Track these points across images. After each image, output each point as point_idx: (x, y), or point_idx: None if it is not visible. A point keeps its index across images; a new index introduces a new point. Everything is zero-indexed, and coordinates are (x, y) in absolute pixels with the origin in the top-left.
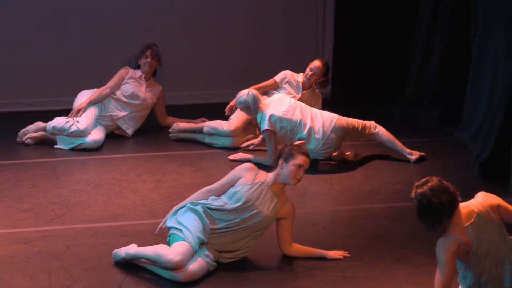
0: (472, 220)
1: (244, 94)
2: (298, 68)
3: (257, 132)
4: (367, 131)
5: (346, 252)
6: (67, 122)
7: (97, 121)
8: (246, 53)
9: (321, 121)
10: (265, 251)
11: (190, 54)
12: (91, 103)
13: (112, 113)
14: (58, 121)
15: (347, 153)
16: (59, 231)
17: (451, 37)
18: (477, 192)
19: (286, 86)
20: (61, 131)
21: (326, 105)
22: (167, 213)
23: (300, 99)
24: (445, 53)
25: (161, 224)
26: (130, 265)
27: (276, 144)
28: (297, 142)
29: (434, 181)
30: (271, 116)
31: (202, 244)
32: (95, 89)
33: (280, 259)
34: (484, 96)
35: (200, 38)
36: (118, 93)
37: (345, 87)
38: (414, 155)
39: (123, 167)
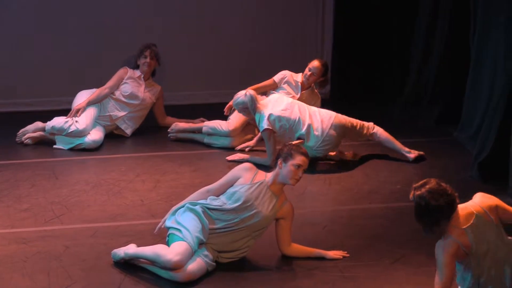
0: (471, 221)
1: (242, 95)
2: (298, 68)
3: (256, 132)
4: (365, 131)
5: (345, 252)
6: (66, 122)
7: (96, 121)
8: (245, 53)
9: (320, 118)
10: (264, 251)
11: (189, 54)
12: (90, 103)
13: (111, 113)
14: (57, 121)
15: (346, 153)
16: (58, 231)
17: (450, 37)
18: (476, 192)
19: (285, 86)
20: (60, 131)
21: (325, 105)
22: (166, 213)
23: (299, 99)
24: (444, 53)
25: (160, 224)
26: (129, 265)
27: (275, 144)
28: (296, 142)
29: (432, 183)
30: (269, 115)
31: (201, 244)
32: (94, 89)
33: (279, 259)
34: (483, 96)
35: (200, 38)
36: (117, 93)
37: (344, 87)
38: (412, 153)
39: (122, 167)
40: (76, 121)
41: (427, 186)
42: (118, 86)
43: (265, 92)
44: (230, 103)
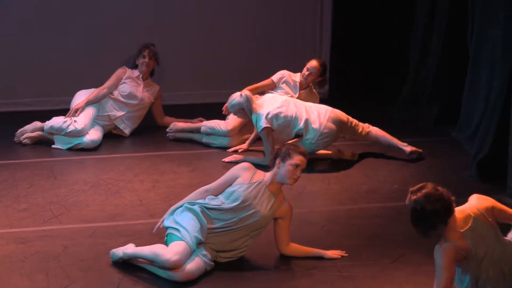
0: (469, 224)
1: (237, 96)
2: (296, 68)
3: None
4: (360, 130)
5: (344, 251)
6: (65, 122)
7: (95, 121)
8: (243, 53)
9: (316, 112)
10: (262, 250)
11: (188, 53)
12: (88, 103)
13: (109, 113)
14: (56, 121)
15: (345, 152)
16: (57, 231)
17: (448, 37)
18: (474, 191)
19: (284, 86)
20: (59, 131)
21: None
22: (164, 213)
23: (297, 99)
24: (442, 53)
25: (159, 224)
26: (127, 265)
27: (273, 143)
28: (292, 141)
29: (429, 187)
30: (267, 114)
31: (199, 243)
32: (92, 89)
33: (278, 259)
34: (482, 96)
35: (198, 38)
36: (115, 93)
37: (343, 87)
38: (409, 147)
39: (121, 167)
40: (75, 121)
41: (424, 191)
42: (117, 86)
43: (263, 92)
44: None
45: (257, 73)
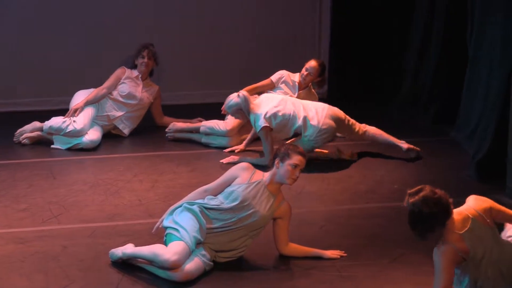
0: (468, 226)
1: (234, 97)
2: (296, 68)
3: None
4: (357, 129)
5: (343, 251)
6: (64, 122)
7: (94, 121)
8: (242, 53)
9: (314, 109)
10: (261, 250)
11: (187, 53)
12: (87, 103)
13: (108, 113)
14: (55, 121)
15: (344, 152)
16: (56, 231)
17: (447, 36)
18: (473, 191)
19: (283, 86)
20: (58, 131)
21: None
22: (163, 213)
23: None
24: (441, 53)
25: (158, 224)
26: (127, 265)
27: (272, 143)
28: (291, 140)
29: (426, 190)
30: (265, 114)
31: (198, 243)
32: (92, 89)
33: (277, 259)
34: (481, 95)
35: (197, 38)
36: (114, 93)
37: (342, 87)
38: (406, 144)
39: (120, 167)
40: (74, 121)
41: (421, 194)
42: (116, 86)
43: (261, 92)
44: None
45: (256, 73)
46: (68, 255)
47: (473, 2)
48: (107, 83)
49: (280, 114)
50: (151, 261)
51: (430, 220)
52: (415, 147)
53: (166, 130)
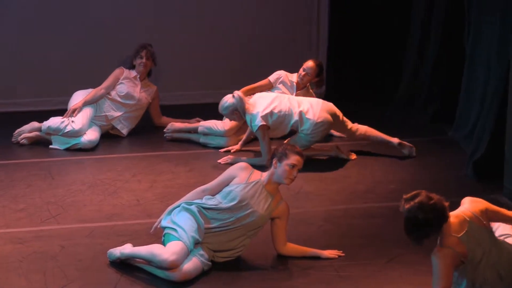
0: (466, 229)
1: (229, 98)
2: (295, 68)
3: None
4: (349, 126)
5: (341, 251)
6: (62, 122)
7: (92, 121)
8: (240, 53)
9: (309, 103)
10: (259, 250)
11: (185, 53)
12: (86, 103)
13: (107, 113)
14: (53, 121)
15: (343, 151)
16: (54, 231)
17: (445, 36)
18: (471, 191)
19: (280, 86)
20: (56, 131)
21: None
22: (162, 213)
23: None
24: (439, 53)
25: (156, 224)
26: (125, 265)
27: (269, 142)
28: (288, 140)
29: (422, 195)
30: (261, 112)
31: (197, 243)
32: (90, 89)
33: (275, 258)
34: (478, 95)
35: (195, 38)
36: (113, 93)
37: (340, 87)
38: (397, 139)
39: (118, 167)
40: (72, 121)
41: (417, 200)
42: (114, 86)
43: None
44: None
45: (255, 73)
46: (66, 255)
47: (470, 1)
48: (105, 83)
49: (276, 111)
50: (149, 261)
51: (425, 226)
52: (407, 143)
53: (164, 130)
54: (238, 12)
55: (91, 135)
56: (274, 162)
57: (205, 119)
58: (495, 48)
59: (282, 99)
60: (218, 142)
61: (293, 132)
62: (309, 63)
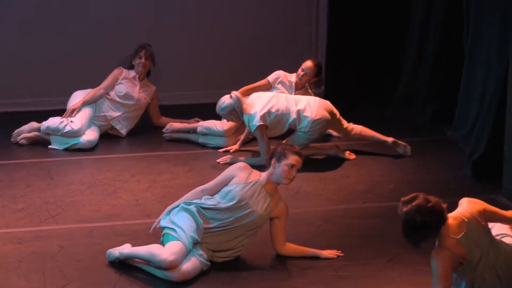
0: (464, 230)
1: (226, 99)
2: (295, 68)
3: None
4: (345, 125)
5: (340, 251)
6: (61, 122)
7: (91, 121)
8: (239, 53)
9: (306, 101)
10: (258, 250)
11: (184, 54)
12: (85, 104)
13: (106, 113)
14: (52, 121)
15: (342, 151)
16: (53, 231)
17: (444, 36)
18: (469, 191)
19: (279, 86)
20: (55, 131)
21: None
22: (161, 213)
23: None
24: (438, 53)
25: (155, 224)
26: (124, 265)
27: (268, 141)
28: (286, 140)
29: (420, 198)
30: (259, 112)
31: (195, 243)
32: (89, 90)
33: (274, 258)
34: (477, 95)
35: (194, 38)
36: (112, 93)
37: (339, 87)
38: (391, 138)
39: (117, 167)
40: (71, 121)
41: (414, 203)
42: (113, 87)
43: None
44: None
45: (255, 73)
46: (65, 255)
47: (468, 1)
48: (104, 84)
49: (273, 110)
50: (148, 261)
51: (423, 229)
52: (402, 142)
53: (163, 130)
54: (238, 12)
55: (90, 135)
56: (273, 162)
57: (205, 119)
58: (494, 48)
59: (280, 98)
60: (217, 142)
61: (290, 132)
62: (308, 63)
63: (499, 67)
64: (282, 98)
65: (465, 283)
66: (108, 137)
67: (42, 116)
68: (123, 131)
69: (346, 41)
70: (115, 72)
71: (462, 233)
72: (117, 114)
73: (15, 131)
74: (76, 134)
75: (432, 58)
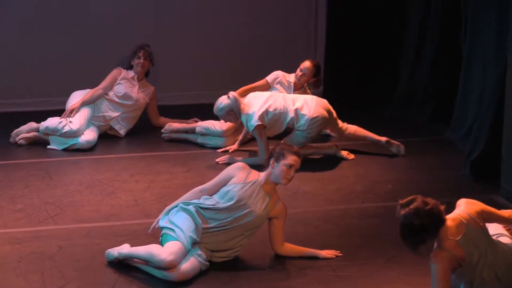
0: (463, 232)
1: (224, 99)
2: (293, 68)
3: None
4: (340, 125)
5: (338, 251)
6: (60, 122)
7: (90, 122)
8: (238, 53)
9: (303, 99)
10: (257, 250)
11: (185, 54)
12: (84, 104)
13: (104, 114)
14: (51, 122)
15: (341, 150)
16: (52, 231)
17: (442, 36)
18: (467, 191)
19: (278, 86)
20: (54, 131)
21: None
22: (159, 213)
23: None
24: (436, 53)
25: (154, 224)
26: (123, 265)
27: (267, 140)
28: (283, 139)
29: (418, 201)
30: (257, 112)
31: (194, 243)
32: (88, 90)
33: (272, 259)
34: (475, 96)
35: (196, 38)
36: (110, 93)
37: (338, 88)
38: (384, 138)
39: (116, 167)
40: (70, 122)
41: (412, 205)
42: (112, 87)
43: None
44: None
45: (254, 74)
46: (64, 255)
47: (466, 2)
48: (103, 84)
49: (271, 109)
50: (147, 261)
51: (421, 232)
52: (395, 141)
53: (162, 130)
54: (238, 12)
55: (89, 135)
56: (271, 162)
57: (204, 119)
58: (492, 48)
59: (277, 97)
60: (216, 142)
61: (288, 131)
62: (306, 64)
63: (497, 68)
64: (279, 97)
65: (464, 284)
66: (107, 137)
67: (41, 116)
68: (122, 131)
69: (345, 42)
70: (114, 72)
71: (461, 235)
72: (116, 114)
73: (14, 131)
74: (75, 134)
75: (430, 58)
